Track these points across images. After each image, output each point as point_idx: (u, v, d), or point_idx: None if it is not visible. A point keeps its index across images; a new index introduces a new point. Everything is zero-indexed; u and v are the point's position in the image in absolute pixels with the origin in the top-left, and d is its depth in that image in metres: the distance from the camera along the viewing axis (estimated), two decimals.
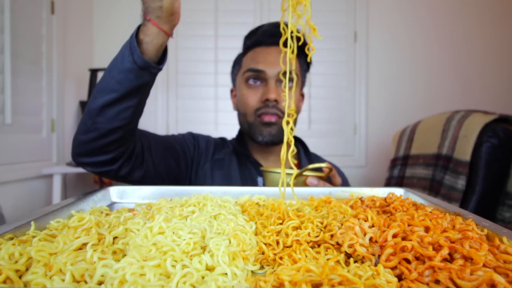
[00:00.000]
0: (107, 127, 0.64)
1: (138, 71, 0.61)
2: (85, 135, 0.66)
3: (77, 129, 0.68)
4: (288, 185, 0.68)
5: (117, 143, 0.68)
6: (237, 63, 0.98)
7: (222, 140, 1.00)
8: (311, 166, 0.67)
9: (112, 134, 0.65)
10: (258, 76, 0.89)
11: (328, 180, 0.77)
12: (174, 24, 0.62)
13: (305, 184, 0.71)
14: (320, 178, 0.71)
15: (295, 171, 0.53)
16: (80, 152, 0.69)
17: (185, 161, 0.89)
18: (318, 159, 1.00)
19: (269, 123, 0.88)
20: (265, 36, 0.91)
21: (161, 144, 0.84)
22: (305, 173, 0.70)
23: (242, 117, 0.94)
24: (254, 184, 0.90)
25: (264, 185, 0.80)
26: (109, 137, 0.66)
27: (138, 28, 0.61)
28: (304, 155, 0.97)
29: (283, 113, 0.88)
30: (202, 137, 0.96)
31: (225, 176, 0.90)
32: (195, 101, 2.11)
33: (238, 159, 0.93)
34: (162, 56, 0.65)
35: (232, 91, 1.03)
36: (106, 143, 0.67)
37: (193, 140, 0.94)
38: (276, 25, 0.91)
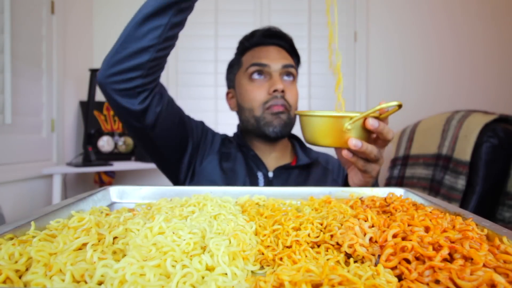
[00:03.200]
0: (136, 46, 0.69)
1: None
2: (114, 56, 0.71)
3: (108, 53, 0.73)
4: (347, 129, 0.57)
5: (142, 69, 0.71)
6: (235, 63, 0.99)
7: (226, 136, 1.01)
8: (378, 107, 0.55)
9: (139, 55, 0.69)
10: (262, 70, 0.90)
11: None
12: None
13: (362, 129, 0.59)
14: (379, 119, 0.59)
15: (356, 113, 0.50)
16: (108, 74, 0.72)
17: (191, 140, 0.91)
18: (313, 153, 1.01)
19: (279, 112, 0.88)
20: (263, 37, 0.94)
21: (178, 112, 0.88)
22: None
23: (247, 113, 0.92)
24: (256, 178, 0.90)
25: (303, 135, 0.65)
26: (136, 58, 0.69)
27: None
28: (300, 149, 0.97)
29: (290, 104, 0.90)
30: (211, 130, 0.98)
31: (232, 169, 0.90)
32: (195, 101, 2.10)
33: (242, 154, 0.94)
34: None
35: (228, 93, 1.02)
36: (132, 66, 0.70)
37: (202, 128, 0.96)
38: (271, 28, 0.96)
